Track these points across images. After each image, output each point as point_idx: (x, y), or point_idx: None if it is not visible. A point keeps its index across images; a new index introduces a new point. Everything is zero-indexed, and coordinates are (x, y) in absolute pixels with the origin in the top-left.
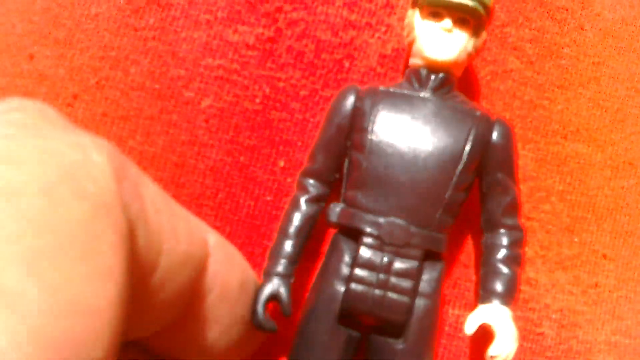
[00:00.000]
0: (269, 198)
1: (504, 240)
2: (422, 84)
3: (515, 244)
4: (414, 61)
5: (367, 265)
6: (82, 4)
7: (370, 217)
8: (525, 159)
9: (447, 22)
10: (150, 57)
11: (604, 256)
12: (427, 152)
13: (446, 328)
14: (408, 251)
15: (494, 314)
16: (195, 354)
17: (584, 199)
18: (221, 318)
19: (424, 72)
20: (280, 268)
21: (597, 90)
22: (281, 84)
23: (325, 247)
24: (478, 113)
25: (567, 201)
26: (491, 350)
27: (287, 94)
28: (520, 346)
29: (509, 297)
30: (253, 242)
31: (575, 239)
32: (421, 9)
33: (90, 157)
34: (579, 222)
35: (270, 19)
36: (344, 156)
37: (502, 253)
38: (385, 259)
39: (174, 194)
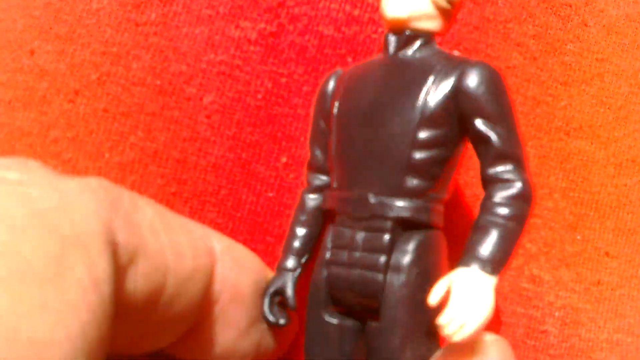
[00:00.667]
0: (271, 194)
1: (492, 195)
2: (385, 47)
3: (507, 198)
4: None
5: (340, 244)
6: None
7: (339, 194)
8: (528, 155)
9: None
10: (151, 53)
11: (607, 254)
12: (381, 116)
13: None
14: (375, 223)
15: (460, 278)
16: (218, 358)
17: (587, 196)
18: (236, 321)
19: (389, 36)
20: (286, 262)
21: (601, 87)
22: (283, 80)
23: None
24: (446, 60)
25: (570, 198)
26: (440, 318)
27: (290, 89)
28: (524, 344)
29: (490, 261)
30: (255, 238)
31: (578, 237)
32: None
33: (68, 199)
34: (581, 220)
35: (272, 14)
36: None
37: (488, 210)
38: (356, 236)
39: (176, 190)
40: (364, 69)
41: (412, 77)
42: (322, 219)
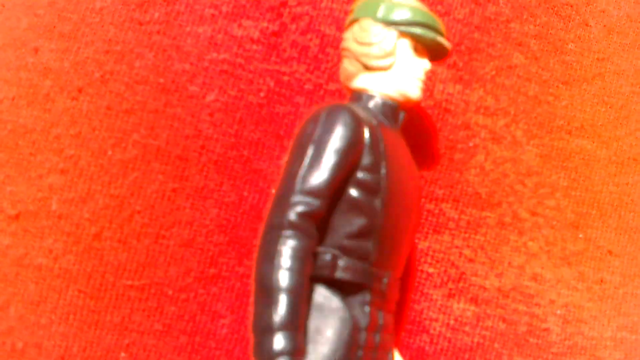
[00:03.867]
0: (273, 191)
1: None
2: (393, 119)
3: None
4: (382, 89)
5: (374, 327)
6: None
7: (377, 271)
8: (529, 154)
9: (427, 62)
10: (155, 51)
11: (609, 252)
12: (414, 196)
13: (451, 322)
14: (391, 305)
15: None
16: None
17: (589, 195)
18: None
19: (395, 106)
20: (299, 341)
21: (602, 86)
22: (286, 78)
23: None
24: None
25: (572, 197)
26: None
27: (292, 88)
28: (526, 342)
29: None
30: (257, 235)
31: (580, 235)
32: (405, 35)
33: None
34: (583, 218)
35: (274, 13)
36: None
37: None
38: (384, 318)
39: (178, 187)
40: (393, 136)
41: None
42: None
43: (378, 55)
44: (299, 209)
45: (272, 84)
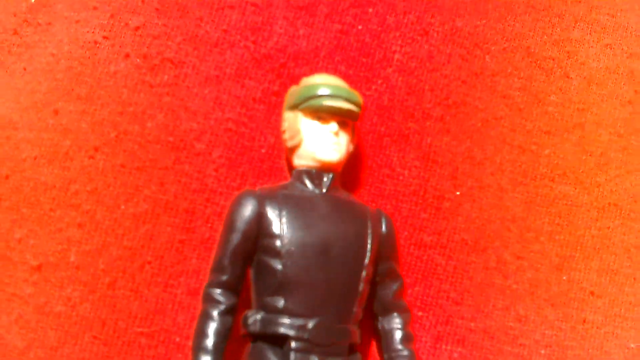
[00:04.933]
0: None
1: (399, 323)
2: (317, 184)
3: (408, 324)
4: (302, 162)
5: None
6: (102, 63)
7: (295, 321)
8: (515, 201)
9: (334, 125)
10: (164, 112)
11: (592, 293)
12: (337, 250)
13: None
14: (335, 349)
15: None
16: None
17: (572, 238)
18: None
19: (314, 172)
20: None
21: (582, 135)
22: None
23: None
24: (366, 207)
25: (556, 241)
26: None
27: None
28: None
29: None
30: None
31: (564, 277)
32: (304, 112)
33: None
34: (567, 261)
35: (275, 74)
36: (249, 262)
37: (400, 335)
38: None
39: (185, 238)
40: (303, 200)
41: (354, 219)
42: (228, 340)
43: (290, 137)
44: (209, 283)
45: (272, 140)
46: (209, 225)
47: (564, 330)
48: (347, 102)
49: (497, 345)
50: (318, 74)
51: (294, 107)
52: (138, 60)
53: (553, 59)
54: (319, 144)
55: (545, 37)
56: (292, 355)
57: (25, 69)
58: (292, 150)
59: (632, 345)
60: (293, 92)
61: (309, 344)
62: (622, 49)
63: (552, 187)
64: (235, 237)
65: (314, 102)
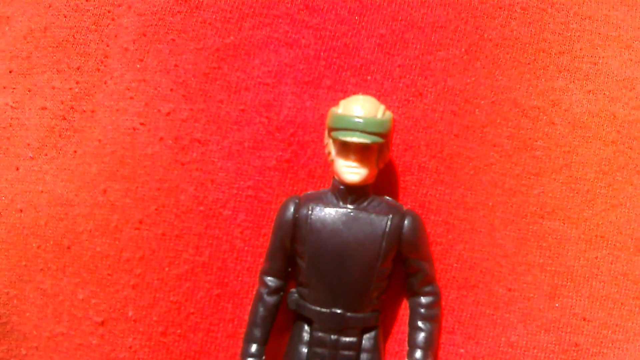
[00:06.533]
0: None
1: (423, 302)
2: (343, 199)
3: (432, 304)
4: (336, 177)
5: (320, 343)
6: (141, 146)
7: (315, 308)
8: (506, 238)
9: (352, 159)
10: (195, 185)
11: (584, 319)
12: (350, 257)
13: None
14: (348, 331)
15: None
16: None
17: (563, 269)
18: None
19: (341, 189)
20: (252, 350)
21: (569, 175)
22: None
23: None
24: (389, 212)
25: (548, 272)
26: None
27: None
28: None
29: (428, 348)
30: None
31: (557, 304)
32: (334, 140)
33: None
34: (559, 289)
35: (286, 143)
36: (291, 254)
37: (421, 313)
38: (333, 337)
39: (220, 292)
40: (330, 211)
41: (372, 227)
42: (277, 313)
43: (327, 153)
44: (261, 270)
45: None
46: (239, 279)
47: (556, 353)
48: (364, 135)
49: None
50: (354, 97)
51: (330, 130)
52: (170, 142)
53: (538, 108)
54: (341, 167)
55: (530, 88)
56: (314, 333)
57: (75, 152)
58: (330, 163)
59: None
60: (329, 115)
61: (327, 327)
62: (604, 93)
63: (541, 224)
64: (276, 240)
65: (334, 134)
